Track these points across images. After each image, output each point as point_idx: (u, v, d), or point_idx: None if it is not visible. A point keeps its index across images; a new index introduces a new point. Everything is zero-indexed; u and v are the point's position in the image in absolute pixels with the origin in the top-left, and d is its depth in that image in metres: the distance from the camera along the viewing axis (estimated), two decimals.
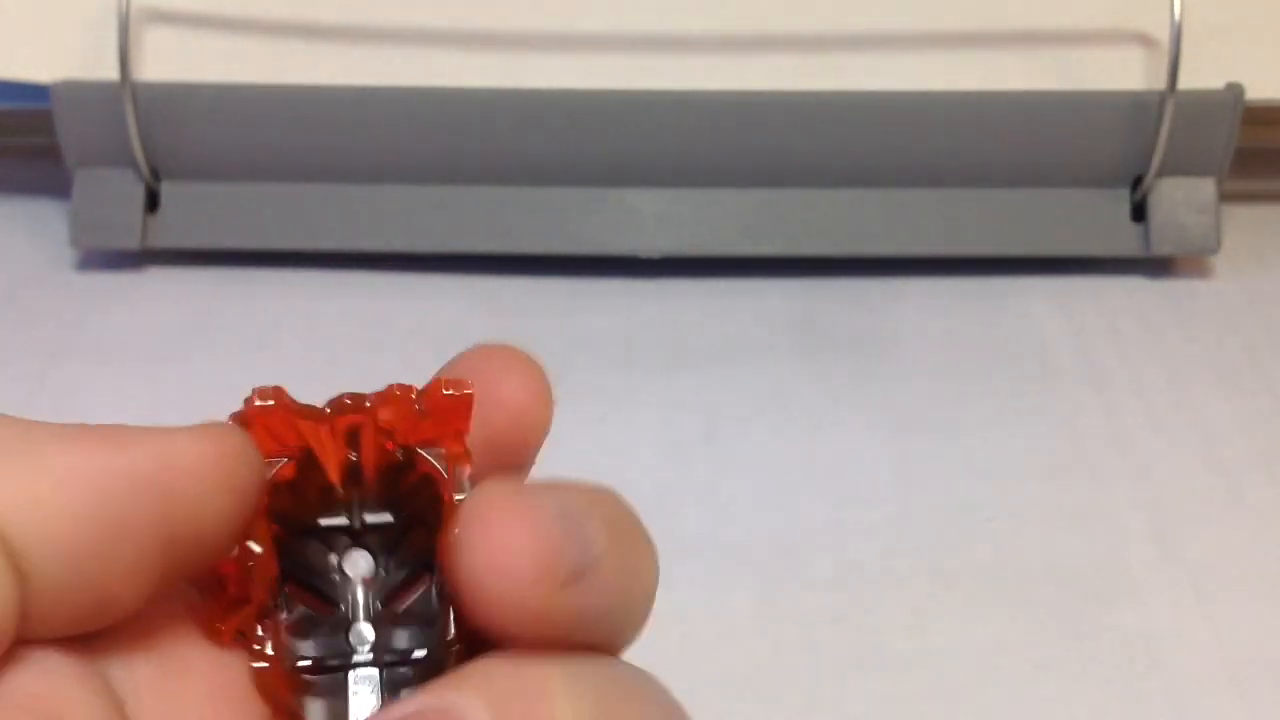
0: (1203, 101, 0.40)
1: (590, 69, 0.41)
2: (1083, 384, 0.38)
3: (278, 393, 0.19)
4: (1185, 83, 0.39)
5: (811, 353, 0.39)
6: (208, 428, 0.19)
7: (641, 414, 0.36)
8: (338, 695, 0.18)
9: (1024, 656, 0.30)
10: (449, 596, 0.18)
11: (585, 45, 0.41)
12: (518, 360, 0.21)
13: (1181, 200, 0.41)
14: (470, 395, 0.19)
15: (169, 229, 0.41)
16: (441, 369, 0.21)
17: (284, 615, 0.19)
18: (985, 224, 0.41)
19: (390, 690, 0.18)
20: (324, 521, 0.19)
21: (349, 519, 0.19)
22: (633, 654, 0.19)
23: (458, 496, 0.18)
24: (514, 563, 0.17)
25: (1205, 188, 0.41)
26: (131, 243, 0.41)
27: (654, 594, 0.18)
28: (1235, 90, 0.40)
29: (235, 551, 0.18)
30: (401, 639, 0.19)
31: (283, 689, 0.18)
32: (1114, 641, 0.30)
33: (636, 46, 0.41)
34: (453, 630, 0.18)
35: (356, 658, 0.19)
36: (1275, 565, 0.32)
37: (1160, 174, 0.40)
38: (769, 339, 0.40)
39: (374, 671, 0.19)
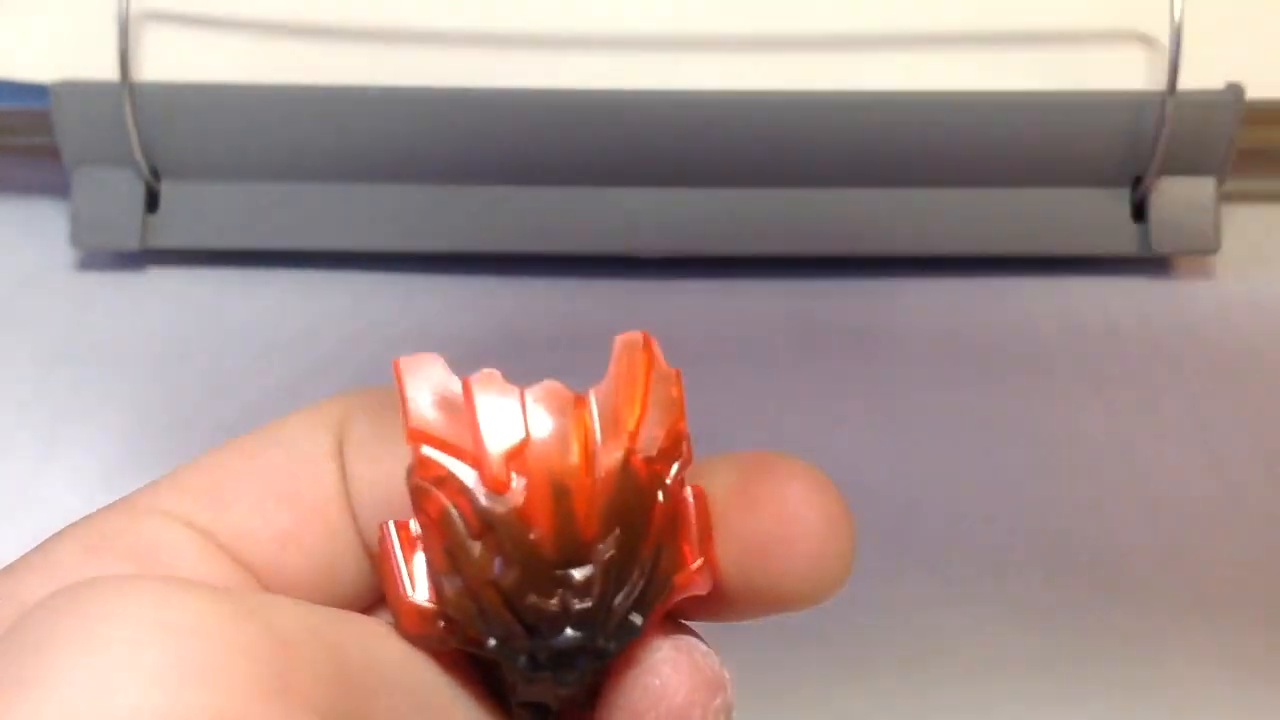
0: (1203, 101, 0.40)
1: (589, 69, 0.41)
2: (1083, 384, 0.38)
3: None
4: (1185, 83, 0.39)
5: (811, 353, 0.39)
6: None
7: None
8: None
9: (1023, 656, 0.30)
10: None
11: (585, 45, 0.41)
12: (819, 485, 0.19)
13: (1181, 200, 0.41)
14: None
15: (169, 229, 0.41)
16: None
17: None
18: (985, 224, 0.41)
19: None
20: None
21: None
22: None
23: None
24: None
25: (1205, 188, 0.41)
26: (131, 243, 0.41)
27: None
28: (1235, 90, 0.40)
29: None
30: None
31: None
32: (1114, 641, 0.30)
33: (636, 46, 0.41)
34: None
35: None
36: (1275, 566, 0.32)
37: (1160, 174, 0.40)
38: (769, 339, 0.40)
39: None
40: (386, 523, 0.18)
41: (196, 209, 0.41)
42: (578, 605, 0.18)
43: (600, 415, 0.18)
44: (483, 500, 0.17)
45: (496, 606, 0.18)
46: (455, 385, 0.18)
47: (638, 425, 0.18)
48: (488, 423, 0.18)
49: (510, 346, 0.39)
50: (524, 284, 0.42)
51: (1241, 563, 0.32)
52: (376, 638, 0.18)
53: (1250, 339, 0.39)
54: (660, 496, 0.18)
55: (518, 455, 0.18)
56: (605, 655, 0.18)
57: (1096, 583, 0.32)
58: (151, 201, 0.41)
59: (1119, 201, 0.41)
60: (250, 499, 0.19)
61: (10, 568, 0.19)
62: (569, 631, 0.18)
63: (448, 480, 0.18)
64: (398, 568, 0.18)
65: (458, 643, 0.18)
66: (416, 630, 0.18)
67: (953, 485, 0.34)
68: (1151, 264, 0.42)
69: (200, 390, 0.38)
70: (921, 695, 0.29)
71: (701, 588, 0.19)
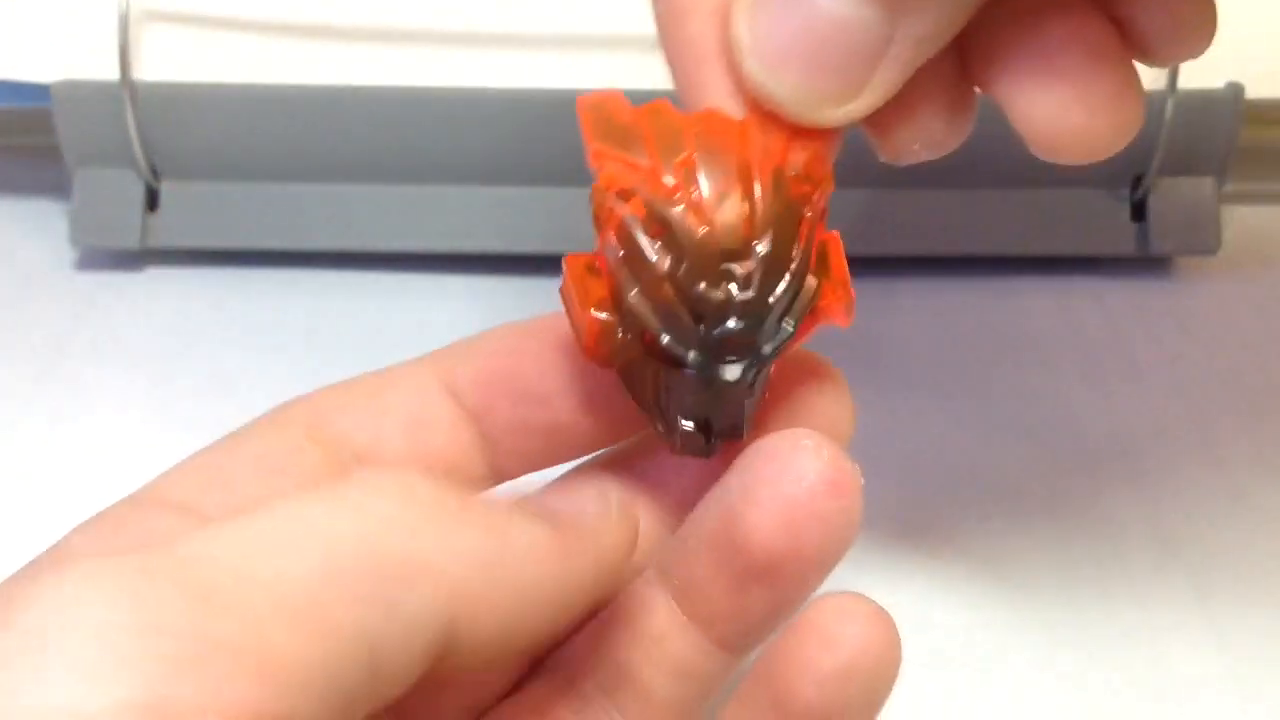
0: (1203, 101, 0.40)
1: (590, 69, 0.41)
2: (1083, 384, 0.38)
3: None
4: (1185, 83, 0.39)
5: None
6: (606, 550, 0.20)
7: None
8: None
9: (1023, 656, 0.30)
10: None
11: (584, 45, 0.41)
12: (828, 372, 0.24)
13: (1181, 200, 0.41)
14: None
15: (169, 229, 0.41)
16: None
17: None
18: (985, 224, 0.41)
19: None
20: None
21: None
22: None
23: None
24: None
25: (1205, 188, 0.41)
26: (131, 242, 0.41)
27: None
28: (1235, 90, 0.40)
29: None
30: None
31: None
32: (1114, 641, 0.30)
33: (635, 46, 0.41)
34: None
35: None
36: (1275, 565, 0.32)
37: (1160, 174, 0.40)
38: None
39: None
40: (565, 257, 0.21)
41: (196, 209, 0.41)
42: (740, 295, 0.20)
43: (755, 139, 0.21)
44: (659, 204, 0.20)
45: (671, 299, 0.20)
46: (629, 114, 0.21)
47: (785, 150, 0.21)
48: (660, 141, 0.21)
49: None
50: (524, 284, 0.42)
51: (1241, 561, 0.32)
52: (331, 521, 0.17)
53: (1250, 339, 0.39)
54: (806, 212, 0.21)
55: (687, 165, 0.20)
56: (763, 358, 0.21)
57: (1096, 581, 0.32)
58: (151, 201, 0.41)
59: (1119, 201, 0.41)
60: (247, 477, 0.21)
61: (30, 564, 0.19)
62: (732, 322, 0.20)
63: (628, 191, 0.20)
64: (578, 292, 0.21)
65: (635, 349, 0.20)
66: (597, 346, 0.21)
67: (952, 485, 0.34)
68: (1151, 264, 0.42)
69: (200, 390, 0.38)
70: (919, 694, 0.29)
71: (842, 317, 0.22)
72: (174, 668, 0.15)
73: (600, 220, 0.21)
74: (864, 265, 0.41)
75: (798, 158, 0.21)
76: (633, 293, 0.20)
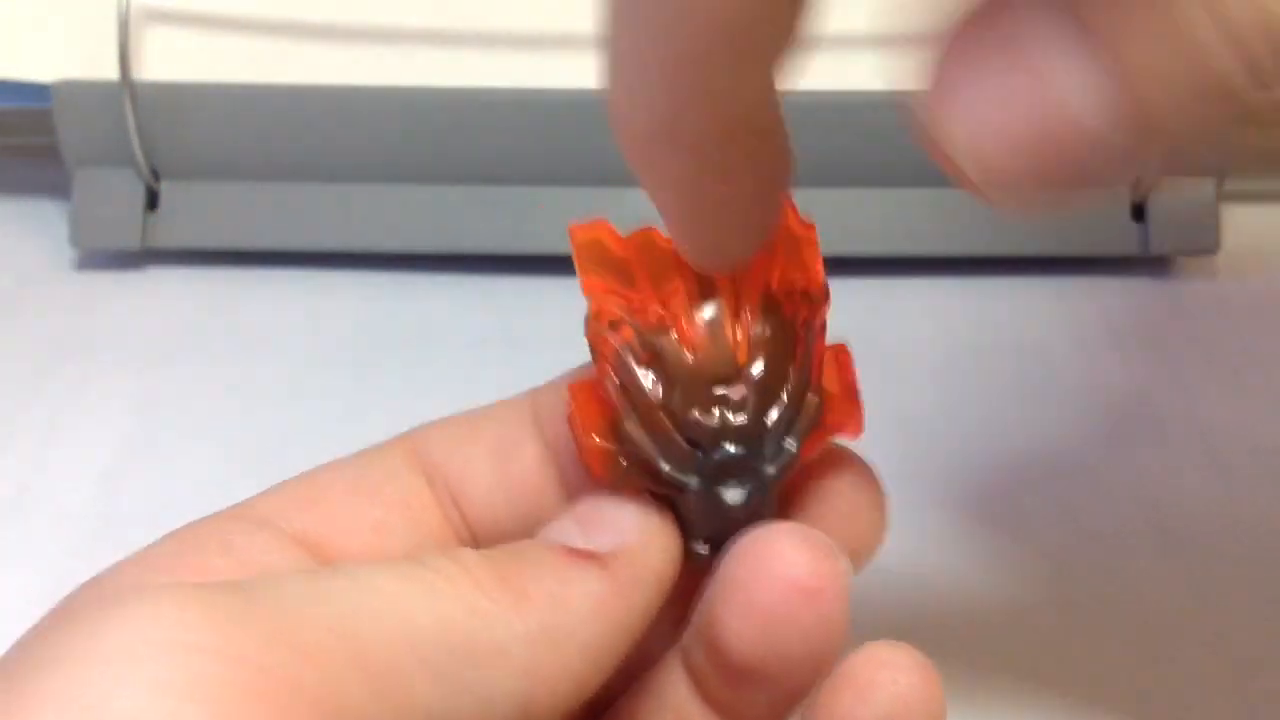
0: None
1: (590, 69, 0.41)
2: (1083, 384, 0.38)
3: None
4: None
5: None
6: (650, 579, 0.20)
7: None
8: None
9: (1023, 657, 0.30)
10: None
11: (584, 45, 0.41)
12: (861, 472, 0.22)
13: (1181, 200, 0.41)
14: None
15: (169, 229, 0.41)
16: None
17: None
18: (985, 224, 0.41)
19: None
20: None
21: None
22: None
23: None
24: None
25: (1205, 188, 0.41)
26: (131, 242, 0.41)
27: None
28: None
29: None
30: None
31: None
32: (1114, 642, 0.30)
33: None
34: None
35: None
36: (1275, 565, 0.32)
37: (1160, 173, 0.40)
38: None
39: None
40: (565, 386, 0.21)
41: (196, 209, 0.41)
42: (735, 420, 0.20)
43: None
44: (649, 333, 0.21)
45: (666, 428, 0.20)
46: (620, 245, 0.21)
47: (776, 268, 0.21)
48: (651, 271, 0.21)
49: (510, 346, 0.39)
50: (524, 284, 0.42)
51: (1241, 562, 0.32)
52: (408, 598, 0.18)
53: (1250, 339, 0.39)
54: (801, 331, 0.21)
55: (676, 293, 0.21)
56: (766, 479, 0.20)
57: (1096, 582, 0.32)
58: (151, 201, 0.41)
59: (1119, 201, 0.41)
60: (340, 498, 0.21)
61: (113, 567, 0.19)
62: (730, 447, 0.20)
63: (620, 323, 0.21)
64: (581, 419, 0.20)
65: (639, 477, 0.20)
66: (602, 472, 0.20)
67: (951, 485, 0.34)
68: (1151, 264, 0.42)
69: (200, 390, 0.38)
70: None
71: (851, 432, 0.21)
72: (248, 699, 0.15)
73: (595, 349, 0.21)
74: (864, 265, 0.42)
75: (790, 277, 0.21)
76: (629, 421, 0.20)
